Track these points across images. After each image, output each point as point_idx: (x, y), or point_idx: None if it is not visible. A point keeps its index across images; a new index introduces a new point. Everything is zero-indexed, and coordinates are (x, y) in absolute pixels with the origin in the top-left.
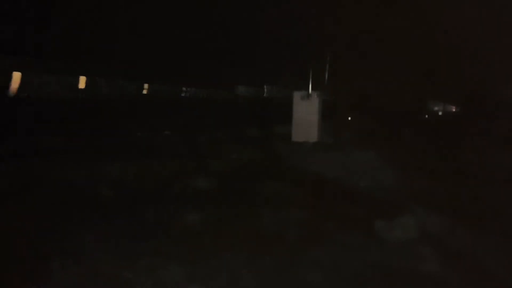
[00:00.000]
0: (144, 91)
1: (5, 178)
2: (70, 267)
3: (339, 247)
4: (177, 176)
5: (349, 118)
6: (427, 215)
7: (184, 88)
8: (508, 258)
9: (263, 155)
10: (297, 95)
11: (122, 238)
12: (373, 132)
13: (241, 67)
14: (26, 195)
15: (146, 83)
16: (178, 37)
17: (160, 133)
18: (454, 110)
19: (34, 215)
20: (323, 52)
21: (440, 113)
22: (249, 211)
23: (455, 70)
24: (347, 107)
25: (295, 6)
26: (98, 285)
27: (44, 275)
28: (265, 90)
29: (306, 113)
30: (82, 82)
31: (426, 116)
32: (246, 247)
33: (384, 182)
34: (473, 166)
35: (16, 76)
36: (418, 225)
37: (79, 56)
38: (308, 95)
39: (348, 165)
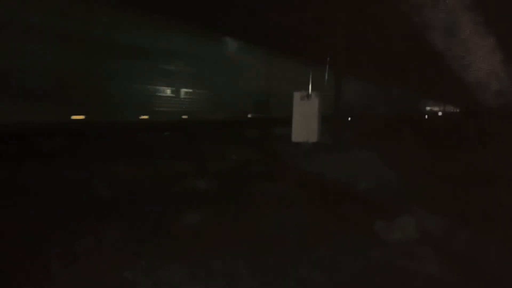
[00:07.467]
0: None
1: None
2: (69, 267)
3: (339, 248)
4: (176, 176)
5: (349, 119)
6: (427, 216)
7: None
8: (508, 258)
9: (262, 155)
10: (297, 95)
11: (122, 238)
12: (373, 133)
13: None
14: (24, 195)
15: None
16: None
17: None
18: (453, 110)
19: (33, 216)
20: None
21: (439, 114)
22: (249, 212)
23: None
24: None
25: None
26: (98, 285)
27: (44, 275)
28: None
29: (306, 113)
30: None
31: (426, 116)
32: (246, 248)
33: (384, 183)
34: (474, 166)
35: None
36: (418, 225)
37: None
38: (308, 95)
39: (348, 166)
